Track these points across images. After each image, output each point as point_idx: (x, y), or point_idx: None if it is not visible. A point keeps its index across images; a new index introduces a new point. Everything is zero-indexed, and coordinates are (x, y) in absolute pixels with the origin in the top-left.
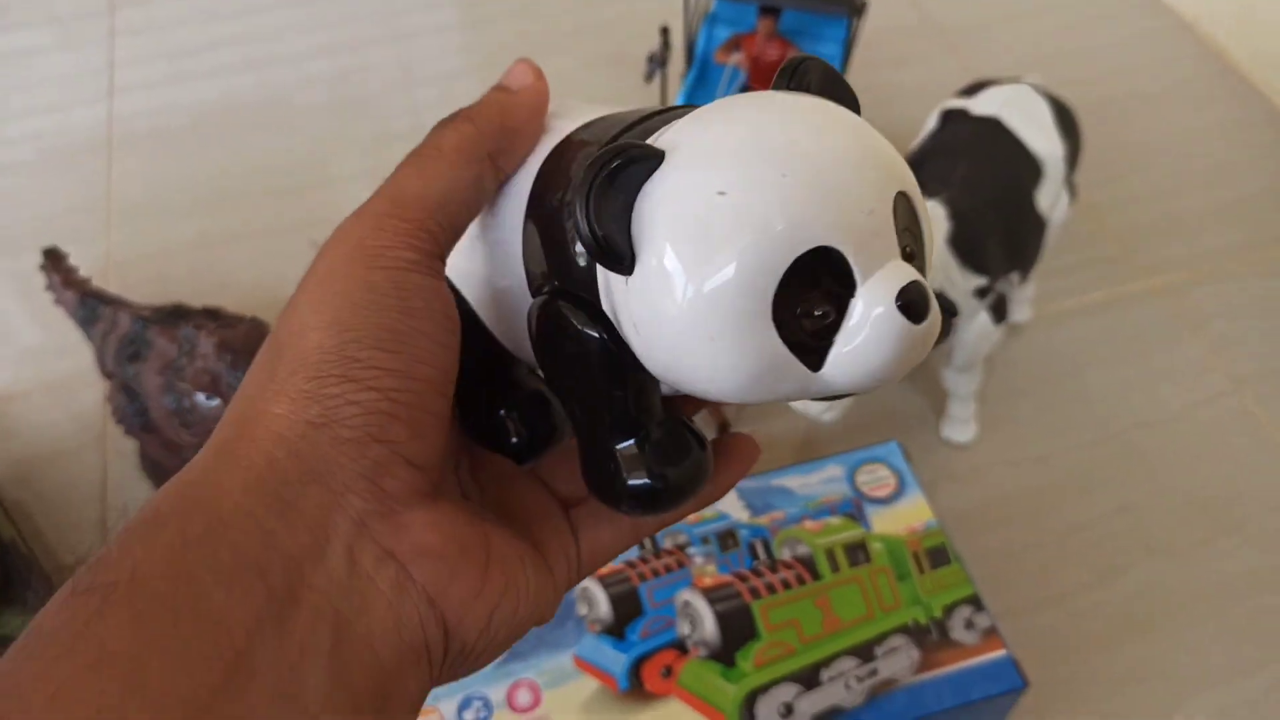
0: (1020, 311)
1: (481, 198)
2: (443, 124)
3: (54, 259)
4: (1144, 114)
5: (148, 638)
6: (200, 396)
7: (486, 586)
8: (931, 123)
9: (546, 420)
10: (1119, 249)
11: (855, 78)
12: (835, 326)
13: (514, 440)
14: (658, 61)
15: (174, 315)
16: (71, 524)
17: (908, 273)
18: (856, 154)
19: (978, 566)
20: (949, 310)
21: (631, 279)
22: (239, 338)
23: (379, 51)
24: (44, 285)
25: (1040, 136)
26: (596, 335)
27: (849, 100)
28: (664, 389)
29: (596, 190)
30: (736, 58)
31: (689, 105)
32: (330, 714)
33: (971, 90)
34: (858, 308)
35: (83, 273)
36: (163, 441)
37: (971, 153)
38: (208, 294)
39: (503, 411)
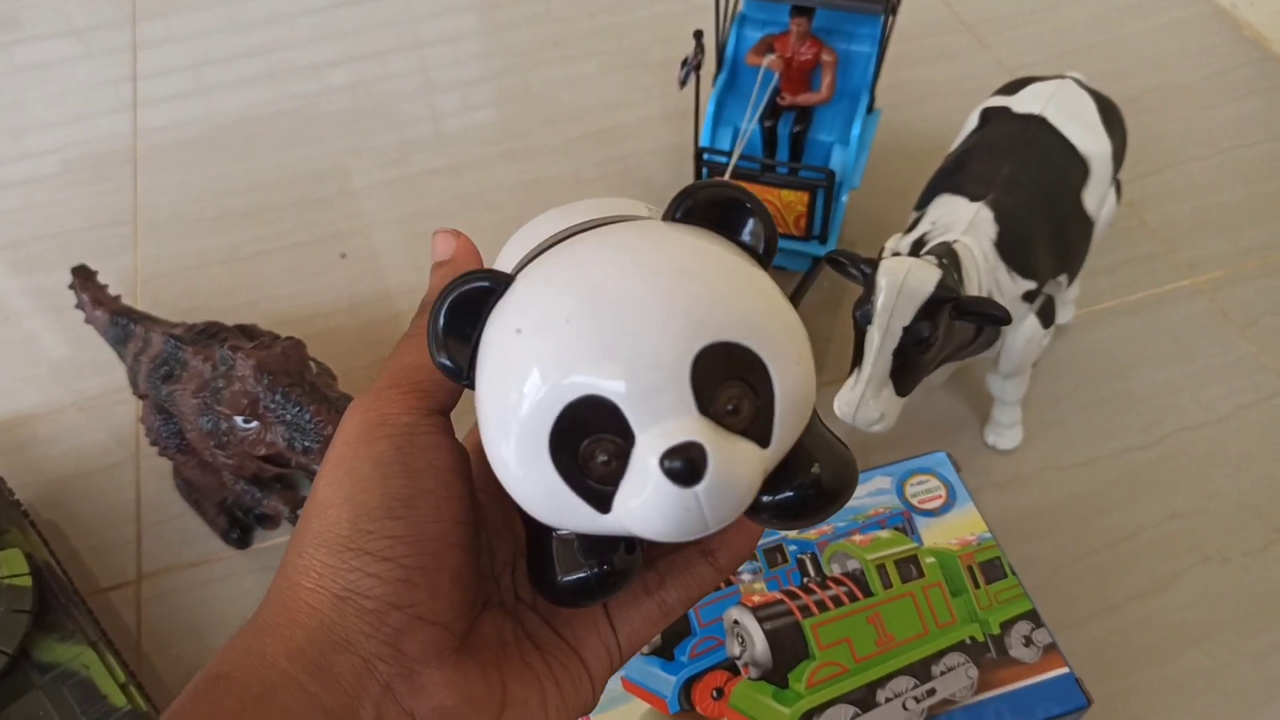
0: (1064, 313)
1: None
2: (420, 310)
3: (83, 277)
4: (1181, 105)
5: None
6: (239, 420)
7: None
8: (972, 121)
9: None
10: (1160, 245)
11: (887, 75)
12: (618, 473)
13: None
14: (692, 65)
15: (207, 335)
16: (107, 545)
17: (685, 431)
18: (666, 301)
19: (1026, 576)
20: (1001, 318)
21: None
22: (276, 358)
23: (399, 59)
24: (74, 304)
25: (1086, 134)
26: None
27: (742, 220)
28: None
29: (438, 313)
30: (769, 59)
31: (621, 217)
32: None
33: (1013, 87)
34: (633, 464)
35: (112, 289)
36: (198, 462)
37: (1015, 152)
38: (239, 309)
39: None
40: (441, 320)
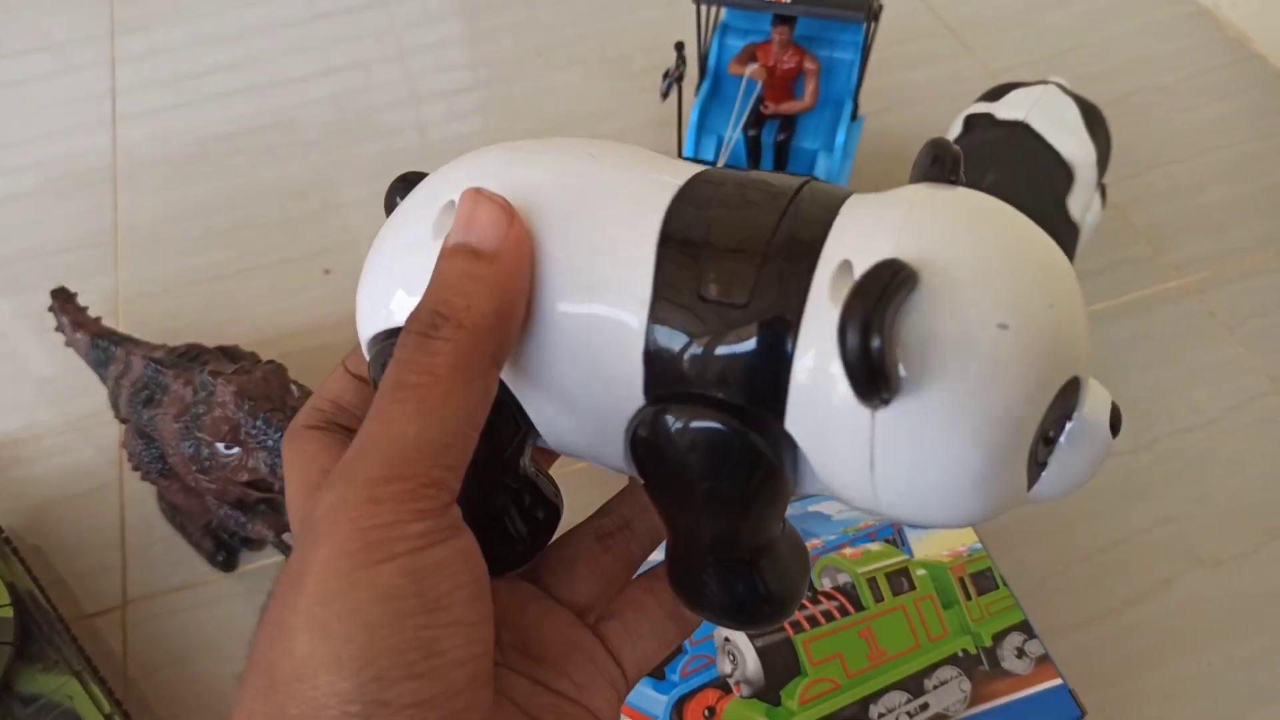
0: None
1: (489, 406)
2: (426, 332)
3: (63, 299)
4: (1164, 106)
5: None
6: (220, 446)
7: None
8: (955, 128)
9: (539, 519)
10: (1146, 248)
11: (870, 81)
12: (1053, 447)
13: (514, 538)
14: (674, 77)
15: (189, 357)
16: (91, 571)
17: (1103, 389)
18: (1065, 266)
19: (1017, 584)
20: None
21: (883, 410)
22: (257, 383)
23: (383, 70)
24: (53, 326)
25: (1070, 140)
26: (767, 455)
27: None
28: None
29: (878, 306)
30: (752, 69)
31: (812, 179)
32: None
33: (996, 94)
34: (1076, 428)
35: (92, 309)
36: (181, 486)
37: (999, 159)
38: (221, 328)
39: (501, 506)
40: (885, 318)
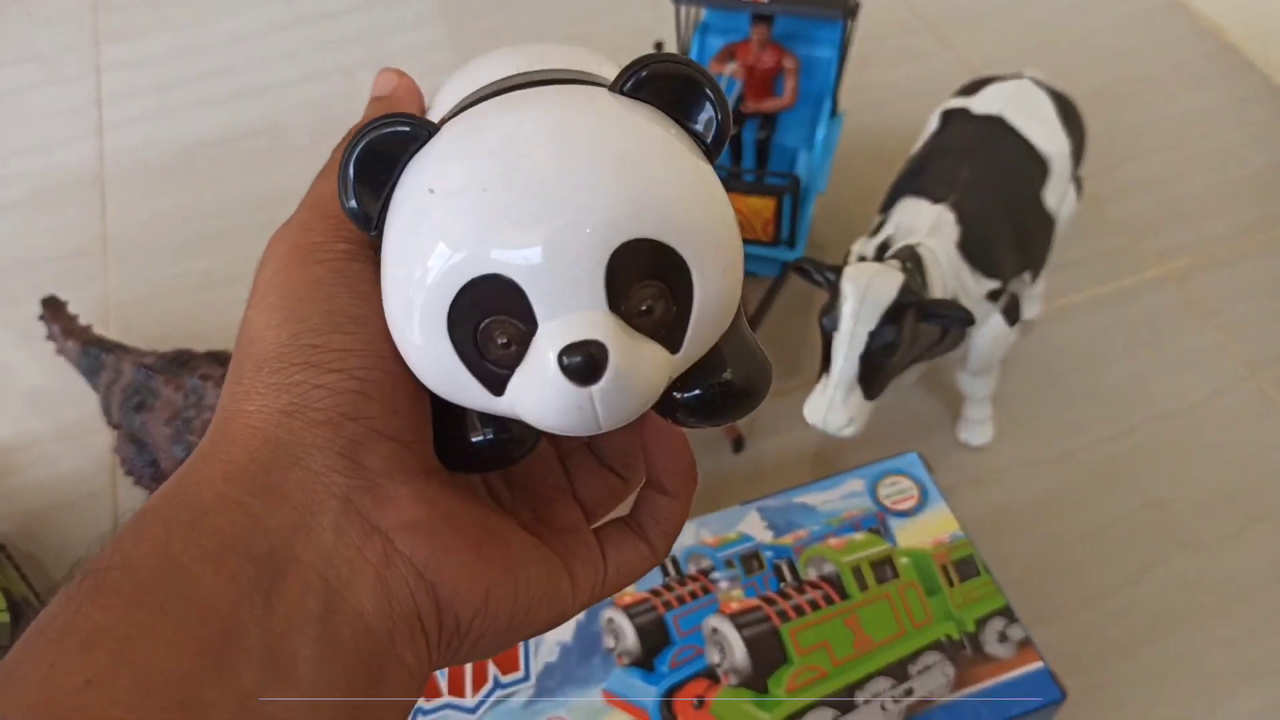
0: (1030, 308)
1: None
2: (342, 143)
3: (53, 308)
4: (1141, 98)
5: (137, 620)
6: None
7: (481, 563)
8: (933, 123)
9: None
10: (1124, 239)
11: (849, 78)
12: (517, 358)
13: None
14: None
15: (179, 363)
16: None
17: (587, 328)
18: (594, 186)
19: (1003, 572)
20: (965, 319)
21: (382, 246)
22: None
23: (367, 75)
24: (45, 335)
25: (1045, 133)
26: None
27: (697, 103)
28: None
29: (351, 153)
30: (731, 68)
31: (566, 76)
32: (322, 683)
33: (972, 88)
34: (533, 352)
35: (82, 318)
36: None
37: (976, 154)
38: (211, 334)
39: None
40: (353, 163)
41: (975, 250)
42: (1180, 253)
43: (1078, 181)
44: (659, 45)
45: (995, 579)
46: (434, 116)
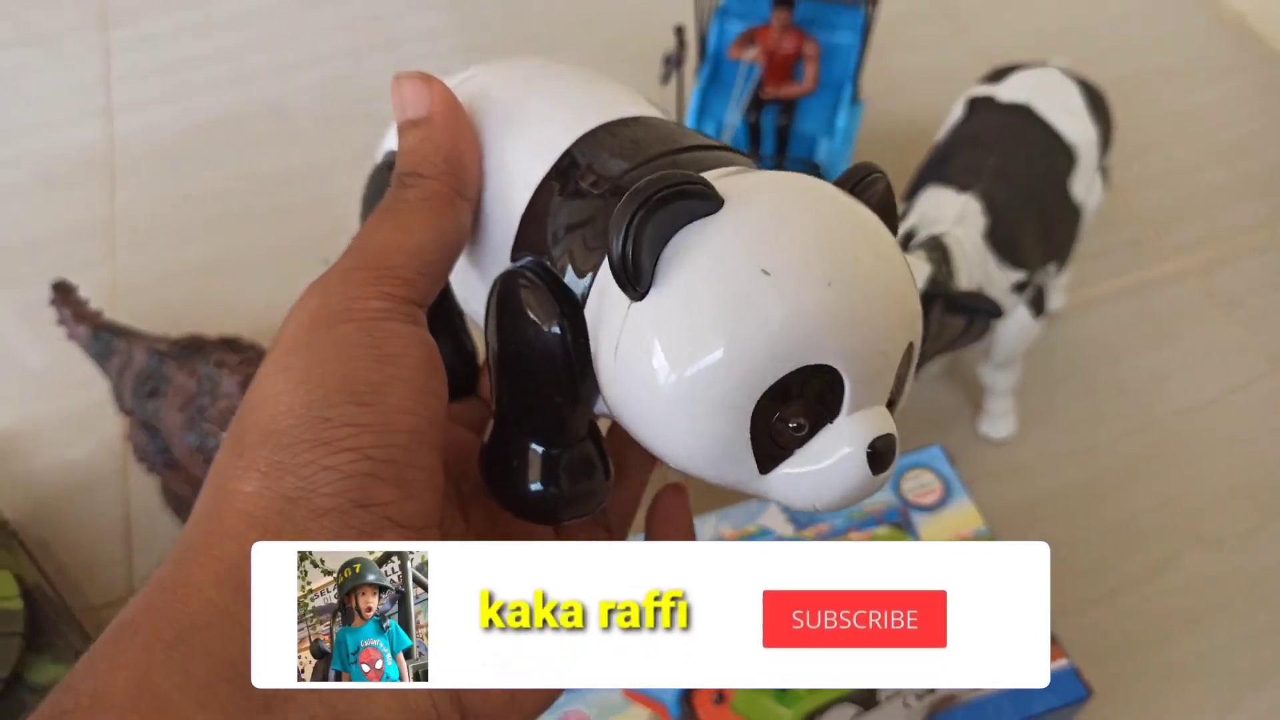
0: (1054, 300)
1: (463, 239)
2: (399, 184)
3: (63, 293)
4: (1162, 88)
5: None
6: (225, 436)
7: None
8: (958, 112)
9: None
10: (1145, 230)
11: (871, 64)
12: (801, 442)
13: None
14: (674, 63)
15: (191, 349)
16: (98, 563)
17: (887, 424)
18: (898, 291)
19: None
20: (993, 311)
21: (637, 304)
22: None
23: (375, 58)
24: (55, 320)
25: (1072, 122)
26: (561, 333)
27: (893, 227)
28: (600, 407)
29: (649, 209)
30: (752, 53)
31: (729, 149)
32: None
33: (997, 76)
34: (828, 436)
35: (91, 301)
36: (187, 478)
37: (1003, 143)
38: (220, 319)
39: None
40: (654, 223)
41: (1002, 241)
42: (1201, 245)
43: (1104, 171)
44: (679, 31)
45: None
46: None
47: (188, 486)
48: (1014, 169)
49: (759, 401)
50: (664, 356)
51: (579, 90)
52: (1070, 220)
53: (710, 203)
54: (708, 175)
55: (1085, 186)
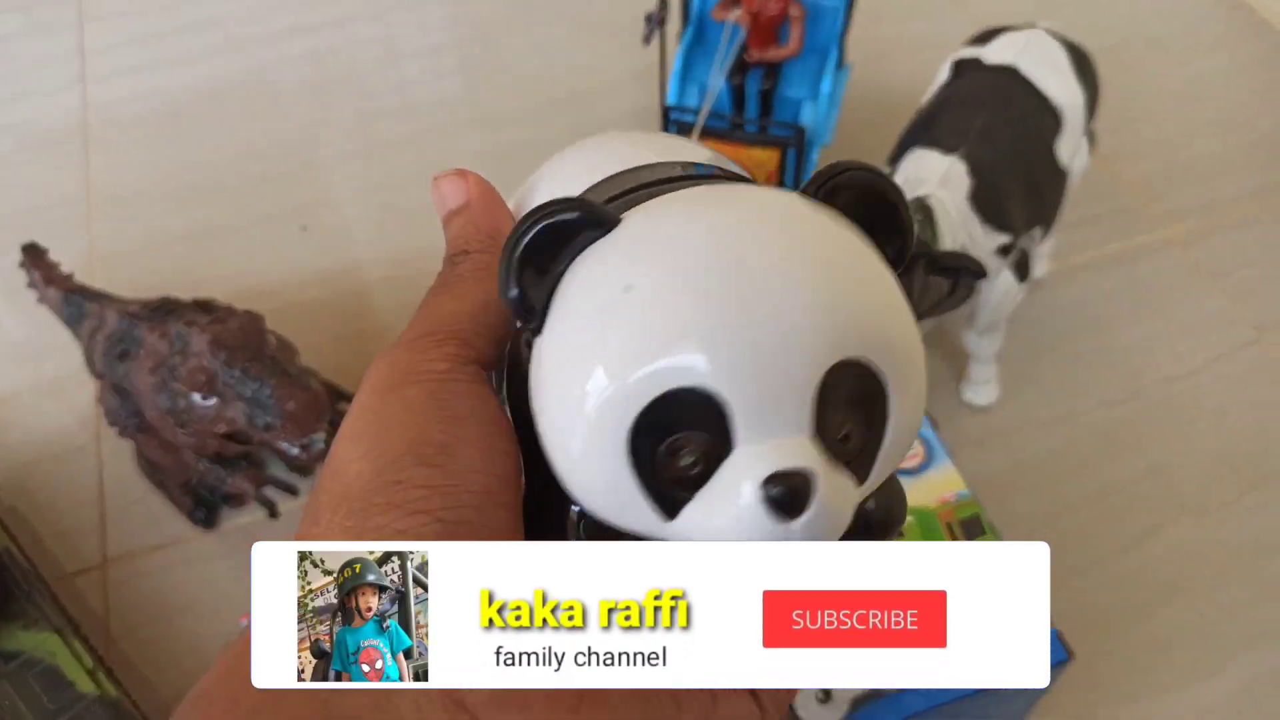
0: (1038, 267)
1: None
2: (448, 264)
3: (34, 255)
4: (1154, 58)
5: None
6: (196, 397)
7: None
8: (944, 73)
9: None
10: (1134, 199)
11: (857, 28)
12: (697, 482)
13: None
14: (655, 21)
15: (163, 311)
16: (71, 530)
17: (795, 456)
18: (812, 298)
19: (1005, 533)
20: (977, 271)
21: (539, 339)
22: (232, 334)
23: (361, 28)
24: (26, 283)
25: (1059, 84)
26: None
27: (889, 228)
28: None
29: (520, 239)
30: (735, 14)
31: (730, 173)
32: None
33: (984, 38)
34: (723, 476)
35: (66, 268)
36: (159, 441)
37: (989, 104)
38: (198, 286)
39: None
40: (520, 249)
41: (986, 203)
42: (1189, 215)
43: (1091, 135)
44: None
45: (1001, 538)
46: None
47: (160, 451)
48: (1000, 131)
49: (632, 432)
50: (545, 387)
51: (618, 147)
52: (1056, 183)
53: (599, 226)
54: (654, 201)
55: (1071, 149)
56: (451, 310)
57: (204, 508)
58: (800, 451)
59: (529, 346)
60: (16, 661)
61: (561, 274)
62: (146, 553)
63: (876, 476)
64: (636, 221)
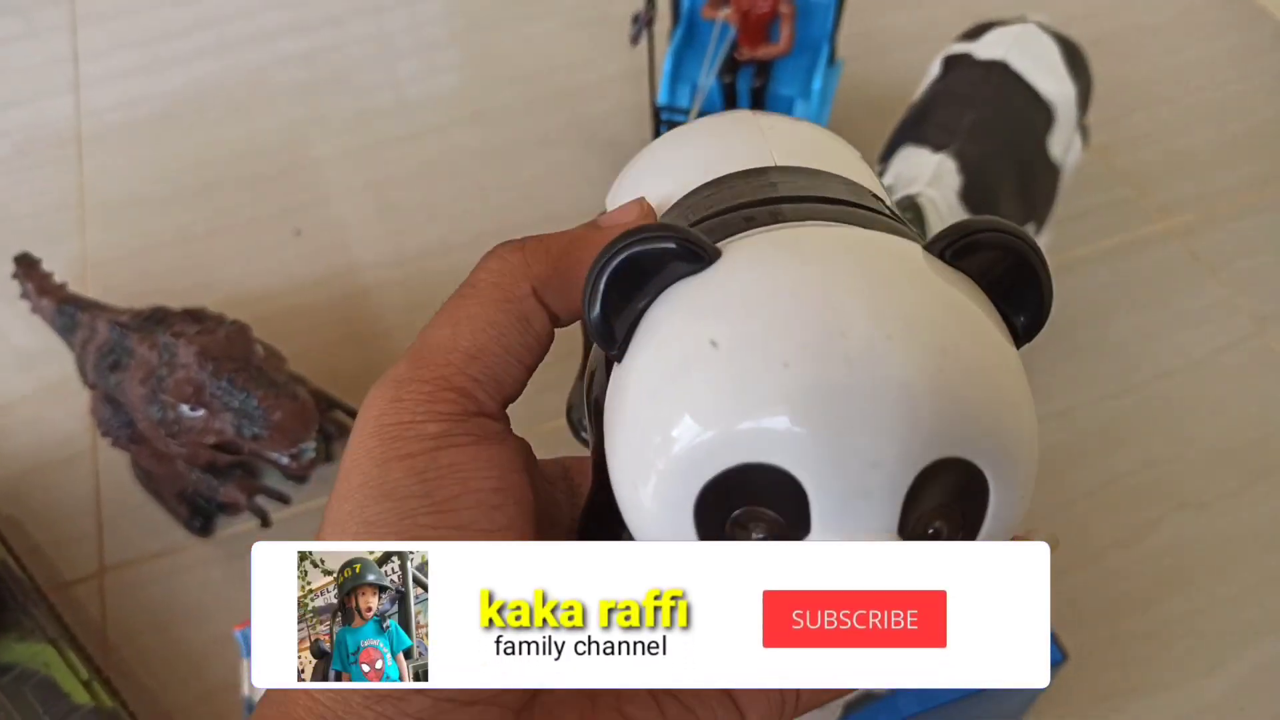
0: None
1: (532, 341)
2: (493, 250)
3: (26, 266)
4: (1148, 47)
5: None
6: (184, 408)
7: None
8: (934, 69)
9: None
10: (1131, 190)
11: (848, 24)
12: None
13: None
14: (643, 22)
15: (154, 320)
16: (68, 539)
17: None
18: (915, 386)
19: None
20: None
21: (618, 368)
22: (219, 344)
23: (356, 25)
24: (19, 294)
25: (1050, 79)
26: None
27: (1024, 297)
28: None
29: (610, 261)
30: (725, 12)
31: (885, 213)
32: None
33: (975, 33)
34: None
35: (59, 276)
36: (153, 451)
37: (979, 100)
38: (192, 291)
39: None
40: (606, 275)
41: (978, 200)
42: (1187, 206)
43: (1083, 130)
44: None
45: None
46: (635, 187)
47: (155, 461)
48: (990, 127)
49: (703, 493)
50: (617, 424)
51: (733, 140)
52: (1048, 179)
53: (697, 260)
54: (761, 238)
55: (1064, 145)
56: (445, 343)
57: (201, 516)
58: None
59: (608, 367)
60: (11, 674)
61: (647, 307)
62: (144, 561)
63: None
64: (736, 263)
